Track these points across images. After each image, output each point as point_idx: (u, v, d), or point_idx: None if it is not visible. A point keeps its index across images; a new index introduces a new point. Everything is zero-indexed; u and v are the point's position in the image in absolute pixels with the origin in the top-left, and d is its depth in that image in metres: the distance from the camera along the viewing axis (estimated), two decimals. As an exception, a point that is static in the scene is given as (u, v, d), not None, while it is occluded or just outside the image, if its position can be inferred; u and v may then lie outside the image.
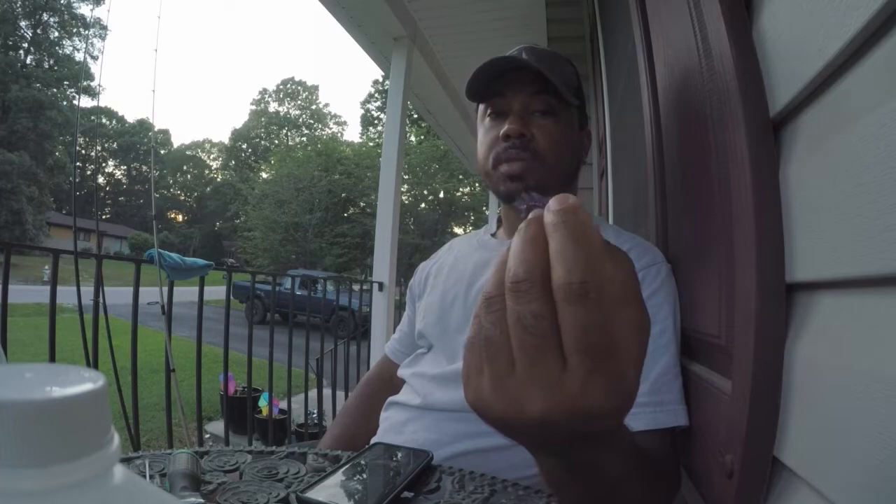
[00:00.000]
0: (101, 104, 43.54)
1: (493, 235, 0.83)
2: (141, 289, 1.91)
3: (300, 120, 42.45)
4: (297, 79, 46.32)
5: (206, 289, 2.14)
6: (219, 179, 44.32)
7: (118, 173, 43.90)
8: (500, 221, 0.84)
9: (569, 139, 0.72)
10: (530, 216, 0.26)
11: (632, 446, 0.38)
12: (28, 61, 26.99)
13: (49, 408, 0.16)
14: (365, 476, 0.53)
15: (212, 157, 46.56)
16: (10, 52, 26.11)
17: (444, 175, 26.38)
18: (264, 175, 32.19)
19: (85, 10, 28.19)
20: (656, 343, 0.59)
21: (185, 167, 45.44)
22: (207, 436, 3.72)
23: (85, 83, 17.69)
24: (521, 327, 0.24)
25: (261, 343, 2.56)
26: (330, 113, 43.25)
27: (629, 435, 0.37)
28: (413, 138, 25.40)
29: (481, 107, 0.75)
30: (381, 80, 32.28)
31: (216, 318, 2.54)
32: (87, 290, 2.18)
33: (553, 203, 0.25)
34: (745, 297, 0.43)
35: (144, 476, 0.49)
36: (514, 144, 0.68)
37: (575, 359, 0.24)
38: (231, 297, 2.34)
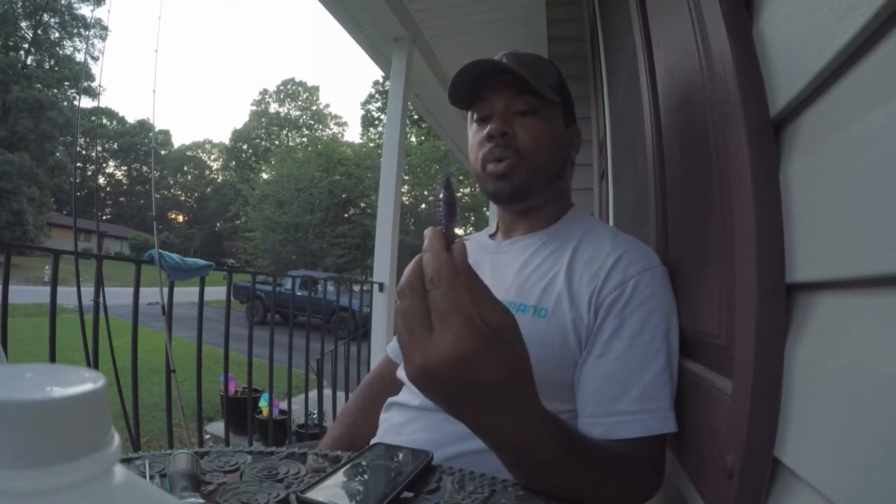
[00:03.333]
0: (102, 105, 43.36)
1: (492, 237, 0.83)
2: (141, 289, 1.91)
3: (301, 120, 42.44)
4: (297, 79, 46.37)
5: (207, 289, 2.14)
6: (219, 180, 44.32)
7: (118, 174, 43.90)
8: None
9: (552, 136, 0.73)
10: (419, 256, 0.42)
11: (560, 435, 0.48)
12: (29, 62, 27.02)
13: (49, 408, 0.16)
14: (365, 476, 0.53)
15: (212, 157, 46.58)
16: (11, 53, 26.14)
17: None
18: (265, 176, 32.22)
19: (85, 10, 28.21)
20: (647, 350, 0.60)
21: (185, 168, 45.41)
22: (207, 436, 3.72)
23: (85, 84, 17.68)
24: (403, 316, 0.41)
25: (261, 343, 2.56)
26: (330, 114, 43.24)
27: (551, 423, 0.47)
28: (413, 139, 25.42)
29: (469, 113, 0.77)
30: (381, 80, 32.31)
31: (216, 319, 2.54)
32: (88, 291, 2.18)
33: (425, 241, 0.41)
34: (745, 297, 0.43)
35: (144, 476, 0.49)
36: (497, 144, 0.71)
37: (435, 324, 0.39)
38: (231, 298, 2.34)
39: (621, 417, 0.58)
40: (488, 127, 0.71)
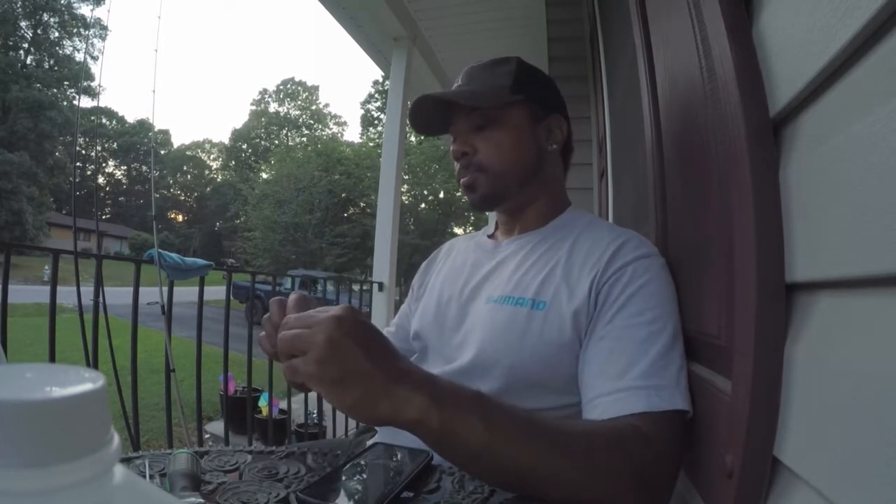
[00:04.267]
0: (101, 104, 43.44)
1: (491, 237, 0.84)
2: (141, 289, 1.91)
3: (300, 120, 42.39)
4: (297, 79, 46.26)
5: (206, 289, 2.14)
6: (219, 179, 44.29)
7: (118, 173, 43.87)
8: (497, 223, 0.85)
9: (515, 140, 0.75)
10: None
11: (500, 417, 0.48)
12: (28, 61, 26.96)
13: (49, 408, 0.16)
14: (365, 476, 0.53)
15: (212, 157, 46.56)
16: (11, 53, 26.10)
17: (444, 175, 26.37)
18: (264, 175, 32.17)
19: (85, 10, 28.15)
20: (649, 330, 0.59)
21: (185, 167, 45.38)
22: (207, 436, 3.72)
23: (85, 83, 17.66)
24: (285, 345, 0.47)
25: (261, 343, 2.55)
26: (330, 113, 43.21)
27: (468, 405, 0.47)
28: (413, 138, 25.38)
29: None
30: (381, 80, 32.31)
31: (216, 318, 2.53)
32: (87, 291, 2.18)
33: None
34: (745, 298, 0.43)
35: (144, 476, 0.49)
36: (462, 164, 0.76)
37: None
38: (231, 298, 2.33)
39: (623, 393, 0.55)
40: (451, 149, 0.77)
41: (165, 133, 45.35)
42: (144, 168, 42.19)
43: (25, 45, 26.92)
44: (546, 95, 0.78)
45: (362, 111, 37.06)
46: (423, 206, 27.96)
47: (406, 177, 25.30)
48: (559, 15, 2.89)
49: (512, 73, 0.75)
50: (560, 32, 2.98)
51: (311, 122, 42.24)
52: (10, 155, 21.59)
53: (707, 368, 0.57)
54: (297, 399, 3.43)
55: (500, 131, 0.74)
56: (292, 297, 0.54)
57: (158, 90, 2.90)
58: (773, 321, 0.40)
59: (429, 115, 0.78)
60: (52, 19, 27.85)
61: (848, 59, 0.32)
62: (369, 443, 0.66)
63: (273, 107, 43.32)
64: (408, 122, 0.79)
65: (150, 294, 2.52)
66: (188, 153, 45.99)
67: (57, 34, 28.24)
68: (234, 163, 43.27)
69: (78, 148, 25.11)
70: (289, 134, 42.10)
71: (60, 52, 28.16)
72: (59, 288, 1.62)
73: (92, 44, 23.61)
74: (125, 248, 31.91)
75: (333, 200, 26.14)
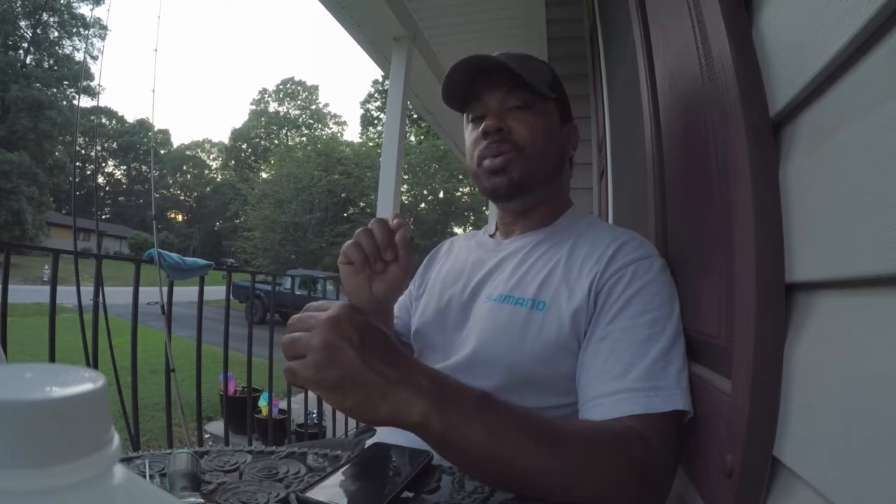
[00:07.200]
0: (101, 104, 43.50)
1: (492, 236, 0.84)
2: (141, 289, 1.91)
3: (300, 120, 42.43)
4: (296, 79, 46.29)
5: (206, 289, 2.14)
6: (219, 179, 44.32)
7: (118, 173, 43.90)
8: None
9: (548, 131, 0.73)
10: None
11: (503, 420, 0.48)
12: (28, 61, 26.94)
13: (49, 408, 0.16)
14: (365, 476, 0.53)
15: (211, 156, 46.59)
16: (10, 52, 26.08)
17: (443, 175, 26.39)
18: (264, 175, 32.22)
19: (85, 9, 28.13)
20: (650, 330, 0.59)
21: (184, 167, 45.41)
22: (207, 436, 3.72)
23: (85, 83, 17.63)
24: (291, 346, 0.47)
25: (260, 343, 2.56)
26: (330, 113, 43.33)
27: (483, 406, 0.47)
28: (413, 138, 25.38)
29: (465, 114, 0.78)
30: (381, 80, 32.34)
31: (216, 318, 2.54)
32: (87, 290, 2.18)
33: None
34: (744, 297, 0.43)
35: (144, 476, 0.49)
36: (493, 140, 0.71)
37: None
38: (231, 297, 2.33)
39: (623, 394, 0.55)
40: (483, 124, 0.72)
41: (165, 133, 45.43)
42: (144, 168, 42.19)
43: (25, 45, 26.90)
44: (568, 104, 0.80)
45: (362, 111, 37.13)
46: (422, 205, 27.96)
47: (406, 177, 25.31)
48: (559, 15, 2.89)
49: (549, 71, 0.76)
50: (559, 32, 2.98)
51: (311, 121, 42.28)
52: (9, 154, 21.57)
53: (707, 368, 0.57)
54: (297, 399, 3.43)
55: (536, 118, 0.72)
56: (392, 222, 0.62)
57: (158, 90, 2.91)
58: (773, 321, 0.40)
59: (460, 79, 0.73)
60: (51, 19, 27.83)
61: (847, 59, 0.32)
62: (369, 443, 0.66)
63: (273, 106, 43.41)
64: (445, 80, 0.73)
65: (150, 294, 2.52)
66: (188, 153, 46.01)
67: (56, 34, 28.21)
68: (233, 162, 43.31)
69: (78, 148, 25.16)
70: (288, 133, 42.13)
71: (60, 51, 28.14)
72: (58, 288, 1.62)
73: (92, 43, 23.61)
74: (125, 247, 31.89)
75: (333, 200, 26.14)
